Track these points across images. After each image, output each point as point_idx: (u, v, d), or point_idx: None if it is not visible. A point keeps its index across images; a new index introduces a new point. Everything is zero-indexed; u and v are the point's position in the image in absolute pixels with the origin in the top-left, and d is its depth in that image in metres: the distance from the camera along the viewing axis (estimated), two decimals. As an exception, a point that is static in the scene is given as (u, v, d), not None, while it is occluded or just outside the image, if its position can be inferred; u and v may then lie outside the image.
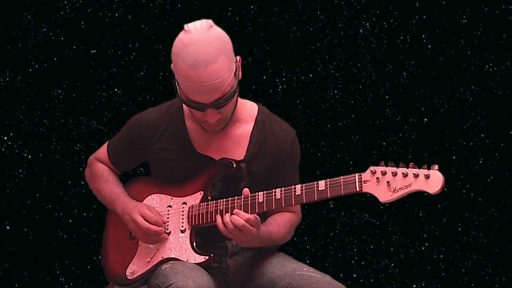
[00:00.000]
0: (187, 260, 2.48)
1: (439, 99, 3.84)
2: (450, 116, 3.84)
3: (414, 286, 3.86)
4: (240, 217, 2.36)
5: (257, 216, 2.38)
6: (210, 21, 2.40)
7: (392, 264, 3.89)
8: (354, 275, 3.90)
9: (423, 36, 3.84)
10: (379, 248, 3.90)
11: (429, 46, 3.83)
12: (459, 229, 3.85)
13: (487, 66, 3.80)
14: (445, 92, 3.83)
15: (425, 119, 3.85)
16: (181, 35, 2.40)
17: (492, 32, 3.77)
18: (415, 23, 3.84)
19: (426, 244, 3.86)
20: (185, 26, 2.40)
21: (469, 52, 3.81)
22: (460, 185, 3.83)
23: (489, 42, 3.78)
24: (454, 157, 3.82)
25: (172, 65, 2.45)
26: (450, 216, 3.84)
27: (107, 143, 2.77)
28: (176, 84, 2.45)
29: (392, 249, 3.90)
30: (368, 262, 3.90)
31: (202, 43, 2.34)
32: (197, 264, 2.46)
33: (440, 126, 3.84)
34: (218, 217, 2.40)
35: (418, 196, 3.81)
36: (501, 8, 3.74)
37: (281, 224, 2.54)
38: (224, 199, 2.47)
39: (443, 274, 3.85)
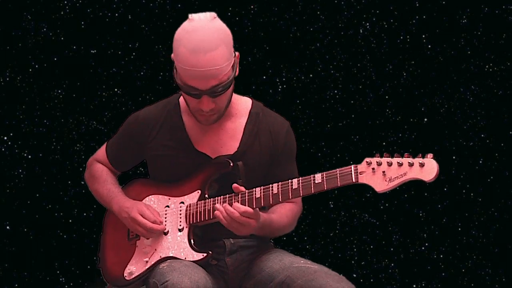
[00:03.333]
0: (185, 258, 2.48)
1: (439, 99, 3.84)
2: (450, 116, 3.84)
3: (414, 286, 3.87)
4: (236, 210, 2.37)
5: (256, 208, 2.40)
6: (214, 13, 2.46)
7: (392, 264, 3.89)
8: (354, 275, 3.90)
9: (423, 36, 3.84)
10: (379, 248, 3.90)
11: (429, 46, 3.83)
12: (459, 229, 3.85)
13: (487, 66, 3.80)
14: (445, 92, 3.83)
15: (425, 119, 3.85)
16: (185, 23, 2.45)
17: (492, 32, 3.77)
18: (415, 23, 3.84)
19: (426, 244, 3.86)
20: (190, 15, 2.45)
21: (469, 52, 3.81)
22: (460, 185, 3.83)
23: (489, 42, 3.78)
24: (454, 157, 3.83)
25: (172, 54, 2.47)
26: (450, 216, 3.84)
27: (105, 144, 2.79)
28: (175, 71, 2.48)
29: (392, 249, 3.90)
30: (368, 262, 3.90)
31: (204, 31, 2.39)
32: (195, 261, 2.46)
33: (440, 126, 3.84)
34: (217, 211, 2.42)
35: (418, 196, 3.83)
36: (501, 8, 3.74)
37: (283, 213, 2.56)
38: (222, 196, 2.48)
39: (443, 274, 3.85)
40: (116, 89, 3.90)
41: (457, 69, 3.82)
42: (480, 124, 3.81)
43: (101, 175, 2.74)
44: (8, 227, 3.83)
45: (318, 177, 2.34)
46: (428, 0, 3.81)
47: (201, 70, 2.37)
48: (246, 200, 2.42)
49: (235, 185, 2.44)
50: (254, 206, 2.41)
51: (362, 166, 2.27)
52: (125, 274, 2.58)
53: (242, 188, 2.44)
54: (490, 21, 3.77)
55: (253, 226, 2.40)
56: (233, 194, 2.46)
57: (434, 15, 3.82)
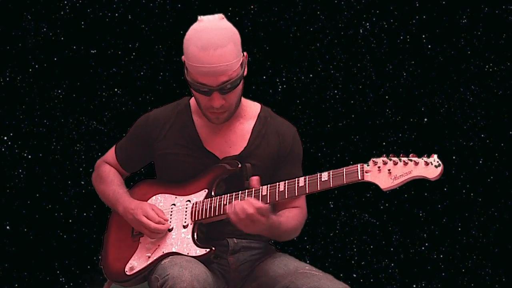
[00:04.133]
0: (187, 254, 2.48)
1: (439, 99, 3.84)
2: (450, 116, 3.84)
3: (414, 286, 3.87)
4: (251, 205, 2.36)
5: (268, 206, 2.40)
6: (221, 14, 2.53)
7: (392, 264, 3.89)
8: (354, 275, 3.90)
9: (423, 36, 3.84)
10: (379, 248, 3.90)
11: (429, 46, 3.84)
12: (459, 229, 3.85)
13: (487, 66, 3.80)
14: (445, 92, 3.84)
15: (425, 119, 3.85)
16: (194, 24, 2.51)
17: (492, 32, 3.77)
18: (415, 23, 3.84)
19: (426, 244, 3.86)
20: (199, 17, 2.51)
21: (469, 52, 3.81)
22: (460, 185, 3.83)
23: (489, 42, 3.78)
24: (454, 157, 3.83)
25: (183, 56, 2.52)
26: (450, 216, 3.84)
27: (114, 146, 2.81)
28: (186, 71, 2.53)
29: (392, 249, 3.90)
30: (368, 262, 3.90)
31: (213, 29, 2.46)
32: (198, 257, 2.46)
33: (440, 126, 3.84)
34: (228, 206, 2.42)
35: (418, 196, 3.83)
36: (501, 8, 3.74)
37: (290, 217, 2.56)
38: (228, 194, 2.50)
39: (443, 274, 3.85)
40: (116, 89, 3.90)
41: (457, 69, 3.82)
42: (480, 124, 3.82)
43: (107, 175, 2.75)
44: (8, 227, 3.83)
45: (324, 175, 2.36)
46: (428, 0, 3.81)
47: (211, 66, 2.43)
48: (253, 197, 2.43)
49: (255, 177, 2.45)
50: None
51: (368, 165, 2.30)
52: (126, 269, 2.58)
53: (257, 185, 2.44)
54: (490, 21, 3.77)
55: (264, 223, 2.38)
56: (239, 191, 2.47)
57: (434, 15, 3.82)
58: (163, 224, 2.55)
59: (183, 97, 2.74)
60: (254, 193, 2.44)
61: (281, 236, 2.58)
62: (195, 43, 2.44)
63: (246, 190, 2.47)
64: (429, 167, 2.22)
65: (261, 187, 2.45)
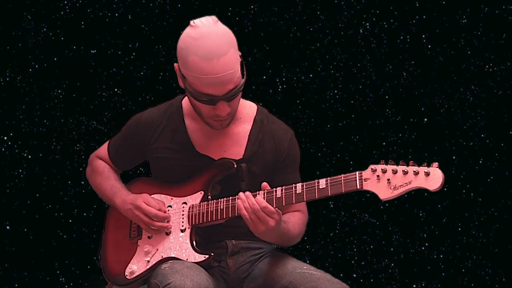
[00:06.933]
0: (186, 259, 2.48)
1: (439, 99, 3.84)
2: (450, 116, 3.84)
3: (414, 286, 3.87)
4: (258, 203, 2.34)
5: (278, 210, 2.36)
6: (214, 17, 2.43)
7: (392, 264, 3.89)
8: (354, 275, 3.90)
9: (423, 36, 3.84)
10: (379, 248, 3.90)
11: (429, 46, 3.84)
12: (459, 229, 3.85)
13: (487, 66, 3.80)
14: (445, 92, 3.84)
15: (425, 119, 3.85)
16: (188, 30, 2.40)
17: (492, 32, 3.77)
18: (415, 23, 3.84)
19: (426, 244, 3.86)
20: (191, 21, 2.41)
21: (469, 52, 3.81)
22: (460, 185, 3.83)
23: (489, 42, 3.78)
24: (454, 157, 3.83)
25: (177, 64, 2.45)
26: (450, 216, 3.84)
27: (107, 142, 2.78)
28: (184, 81, 2.45)
29: (392, 249, 3.90)
30: (368, 262, 3.91)
31: (212, 36, 2.35)
32: (197, 263, 2.46)
33: (440, 126, 3.84)
34: (239, 200, 2.38)
35: (418, 196, 3.82)
36: (501, 8, 3.74)
37: (295, 222, 2.54)
38: (225, 198, 2.48)
39: (443, 274, 3.85)
40: (116, 89, 3.90)
41: (457, 69, 3.82)
42: (480, 124, 3.81)
43: (103, 170, 2.74)
44: (8, 227, 3.83)
45: (322, 182, 2.32)
46: (428, 0, 3.81)
47: (217, 76, 2.35)
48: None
49: (264, 183, 2.39)
50: None
51: (367, 173, 2.25)
52: (126, 273, 2.58)
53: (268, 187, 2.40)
54: (490, 21, 3.77)
55: (271, 226, 2.34)
56: (236, 196, 2.44)
57: (434, 15, 3.82)
58: (164, 213, 2.53)
59: (176, 96, 2.68)
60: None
61: (288, 241, 2.55)
62: (195, 53, 2.34)
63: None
64: (429, 178, 2.17)
65: (257, 193, 2.40)
